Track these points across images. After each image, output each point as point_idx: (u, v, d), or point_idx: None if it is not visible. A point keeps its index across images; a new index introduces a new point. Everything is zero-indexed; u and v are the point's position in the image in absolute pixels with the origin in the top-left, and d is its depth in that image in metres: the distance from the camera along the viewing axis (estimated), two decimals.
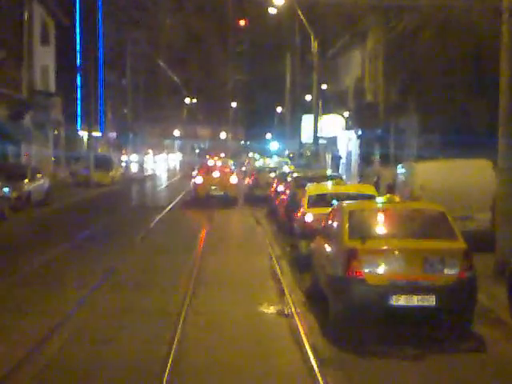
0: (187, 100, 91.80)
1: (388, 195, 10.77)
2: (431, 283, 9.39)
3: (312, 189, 15.91)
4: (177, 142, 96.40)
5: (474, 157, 18.09)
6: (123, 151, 67.14)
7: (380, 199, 10.69)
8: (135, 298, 12.22)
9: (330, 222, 11.44)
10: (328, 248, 10.83)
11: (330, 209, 14.84)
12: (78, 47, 49.30)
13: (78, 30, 51.35)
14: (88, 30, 52.28)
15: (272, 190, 26.13)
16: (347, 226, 10.18)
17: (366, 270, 9.53)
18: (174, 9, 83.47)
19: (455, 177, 16.23)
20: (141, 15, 70.99)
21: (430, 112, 25.29)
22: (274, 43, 63.92)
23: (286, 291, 12.59)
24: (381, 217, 10.41)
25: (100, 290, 12.80)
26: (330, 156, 44.74)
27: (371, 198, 14.89)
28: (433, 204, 11.01)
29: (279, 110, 76.57)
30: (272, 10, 44.70)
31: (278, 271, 14.56)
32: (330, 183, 15.83)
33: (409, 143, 28.13)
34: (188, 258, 16.22)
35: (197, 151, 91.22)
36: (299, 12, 36.70)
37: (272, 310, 11.49)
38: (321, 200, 15.49)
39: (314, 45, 36.29)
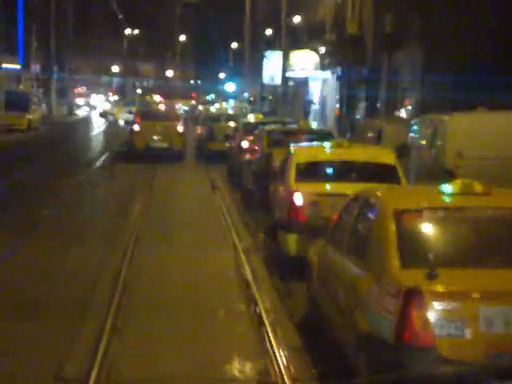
0: (128, 31, 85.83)
1: (460, 181, 6.55)
2: None
3: (301, 153, 11.58)
4: (115, 80, 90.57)
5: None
6: (79, 90, 61.58)
7: (448, 188, 6.46)
8: None
9: (348, 220, 7.24)
10: (352, 271, 6.63)
11: (329, 186, 10.91)
12: None
13: None
14: None
15: (233, 144, 21.77)
16: (395, 242, 5.97)
17: (441, 333, 5.40)
18: None
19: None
20: None
21: (440, 44, 21.03)
22: None
23: (267, 323, 8.40)
24: (459, 225, 6.20)
25: None
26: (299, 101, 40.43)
27: (392, 169, 10.84)
28: None
29: (234, 45, 71.71)
30: None
31: (250, 278, 10.33)
32: (327, 145, 11.52)
33: (409, 86, 23.90)
34: (110, 252, 11.82)
35: (139, 91, 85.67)
36: None
37: (249, 371, 7.31)
38: (316, 171, 11.20)
39: None
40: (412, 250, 5.97)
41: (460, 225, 6.20)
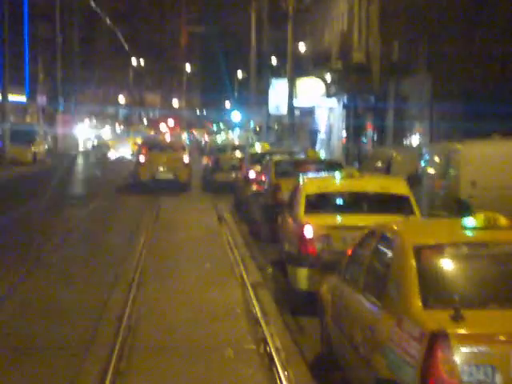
0: (134, 61, 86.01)
1: (483, 214, 6.16)
2: None
3: (310, 184, 11.22)
4: (121, 111, 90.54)
5: None
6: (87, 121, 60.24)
7: (470, 222, 6.07)
8: None
9: (364, 255, 6.84)
10: (369, 310, 6.21)
11: (340, 218, 10.52)
12: None
13: None
14: None
15: (239, 175, 21.41)
16: (416, 280, 5.57)
17: (469, 381, 4.99)
18: None
19: None
20: None
21: (448, 72, 20.73)
22: None
23: (278, 363, 7.95)
24: (484, 261, 5.80)
25: None
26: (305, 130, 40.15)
27: (406, 200, 10.44)
28: None
29: (240, 74, 71.78)
30: None
31: (259, 314, 9.89)
32: (337, 175, 11.15)
33: (418, 115, 23.57)
34: (114, 287, 11.45)
35: (145, 122, 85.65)
36: None
37: None
38: (326, 203, 10.83)
39: None
40: (434, 289, 5.57)
41: (485, 261, 5.80)
